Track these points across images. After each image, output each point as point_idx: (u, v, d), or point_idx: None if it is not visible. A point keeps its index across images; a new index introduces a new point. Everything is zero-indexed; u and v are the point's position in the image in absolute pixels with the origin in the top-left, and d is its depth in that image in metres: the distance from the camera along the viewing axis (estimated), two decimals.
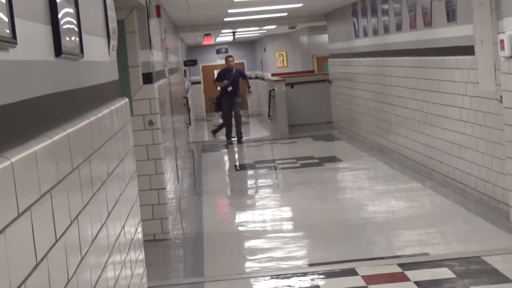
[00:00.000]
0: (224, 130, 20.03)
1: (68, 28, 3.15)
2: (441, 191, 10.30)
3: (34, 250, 2.20)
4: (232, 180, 13.63)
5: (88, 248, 3.08)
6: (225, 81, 19.00)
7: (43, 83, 2.68)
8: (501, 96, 7.88)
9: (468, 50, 9.39)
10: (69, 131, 2.90)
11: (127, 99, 5.15)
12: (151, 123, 8.49)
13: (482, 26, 8.83)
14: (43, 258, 2.30)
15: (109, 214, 3.73)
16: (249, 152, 17.85)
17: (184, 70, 22.20)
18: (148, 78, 8.56)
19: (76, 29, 3.36)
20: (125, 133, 4.80)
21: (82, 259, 2.92)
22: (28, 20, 2.53)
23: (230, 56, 19.72)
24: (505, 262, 6.82)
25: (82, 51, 3.46)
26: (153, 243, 8.57)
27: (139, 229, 5.13)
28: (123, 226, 4.25)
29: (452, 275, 6.50)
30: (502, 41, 7.43)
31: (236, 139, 19.15)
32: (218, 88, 19.65)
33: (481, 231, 8.11)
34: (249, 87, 20.17)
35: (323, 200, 10.67)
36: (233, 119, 19.60)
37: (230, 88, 19.03)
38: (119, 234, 4.06)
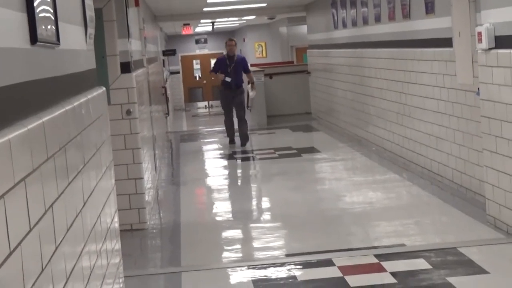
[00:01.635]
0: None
1: (44, 16, 3.13)
2: (418, 182, 10.34)
3: (8, 239, 2.19)
4: (210, 170, 13.61)
5: (63, 237, 3.07)
6: (219, 74, 15.62)
7: (18, 71, 2.66)
8: (478, 89, 7.91)
9: (446, 42, 9.42)
10: (44, 119, 2.88)
11: (104, 88, 5.13)
12: (128, 112, 8.46)
13: (460, 19, 8.86)
14: (17, 247, 2.28)
15: (84, 203, 3.71)
16: (228, 142, 17.82)
17: (163, 60, 22.13)
18: (126, 67, 8.53)
19: (52, 17, 3.34)
20: (102, 122, 4.78)
21: (56, 248, 2.91)
22: (3, 7, 2.51)
23: (232, 40, 15.89)
24: (480, 253, 6.86)
25: (58, 39, 3.43)
26: (130, 232, 8.55)
27: (116, 219, 5.11)
28: (99, 216, 4.23)
29: (428, 266, 6.53)
30: (479, 33, 7.46)
31: (241, 141, 15.77)
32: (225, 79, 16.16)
33: (457, 223, 8.15)
34: (252, 83, 16.24)
35: (301, 190, 10.68)
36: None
37: (228, 79, 15.45)
38: (95, 223, 4.04)
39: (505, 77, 7.09)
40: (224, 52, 16.66)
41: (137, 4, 10.01)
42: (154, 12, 18.33)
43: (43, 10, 3.11)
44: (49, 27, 3.23)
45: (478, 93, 7.97)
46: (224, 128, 16.37)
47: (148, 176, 9.50)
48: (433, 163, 10.32)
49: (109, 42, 8.36)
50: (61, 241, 3.02)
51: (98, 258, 4.06)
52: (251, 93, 16.27)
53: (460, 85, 9.09)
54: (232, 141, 16.00)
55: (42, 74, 3.10)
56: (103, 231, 4.37)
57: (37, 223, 2.60)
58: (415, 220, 8.43)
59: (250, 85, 16.17)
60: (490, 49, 7.37)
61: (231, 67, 15.48)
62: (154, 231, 8.81)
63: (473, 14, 8.42)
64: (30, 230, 2.49)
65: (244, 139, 15.59)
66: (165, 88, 18.21)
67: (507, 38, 7.08)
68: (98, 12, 8.01)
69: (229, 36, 35.64)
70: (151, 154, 10.81)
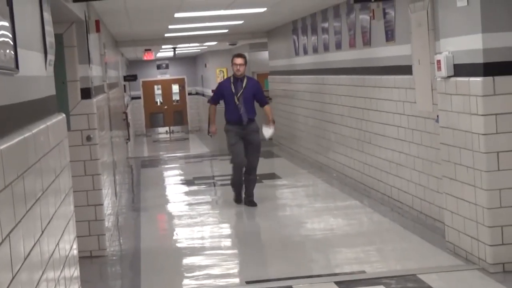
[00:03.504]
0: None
1: (3, 42, 3.10)
2: (378, 209, 10.38)
3: None
4: (171, 196, 13.55)
5: (21, 266, 3.03)
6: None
7: None
8: (437, 116, 7.98)
9: (406, 69, 9.50)
10: (2, 147, 2.85)
11: (63, 115, 5.10)
12: (89, 138, 8.42)
13: (420, 46, 8.95)
14: None
15: (43, 231, 3.68)
16: (188, 168, 17.79)
17: (124, 85, 22.06)
18: (86, 93, 8.49)
19: (11, 43, 3.32)
20: (61, 149, 4.74)
21: (14, 276, 2.87)
22: None
23: (240, 56, 11.33)
24: (440, 280, 6.89)
25: (17, 66, 3.41)
26: (90, 259, 8.46)
27: (75, 246, 5.06)
28: (58, 243, 4.19)
29: None
30: (438, 61, 7.54)
31: (245, 200, 11.48)
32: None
33: (417, 249, 8.19)
34: (273, 121, 11.40)
35: (262, 217, 10.67)
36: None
37: (237, 111, 11.09)
38: (54, 250, 4.00)
39: (463, 104, 7.16)
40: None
41: (98, 30, 9.98)
42: (115, 38, 18.29)
43: (1, 35, 3.09)
44: (7, 52, 3.21)
45: (437, 120, 8.03)
46: (231, 177, 11.58)
47: (108, 202, 9.43)
48: (393, 190, 10.37)
49: (69, 67, 8.33)
50: (19, 269, 2.98)
51: (57, 286, 4.01)
52: (267, 133, 11.31)
53: (420, 112, 9.16)
54: (238, 199, 11.56)
55: (1, 101, 3.07)
56: (62, 258, 4.33)
57: None
58: (375, 246, 8.45)
59: (268, 119, 11.36)
60: (449, 77, 7.45)
61: (239, 93, 11.10)
62: (114, 258, 8.73)
63: (433, 42, 8.51)
64: None
65: (250, 197, 11.40)
66: (126, 113, 18.14)
67: (465, 66, 7.16)
68: (59, 37, 7.98)
69: (192, 61, 35.75)
70: (112, 180, 10.74)
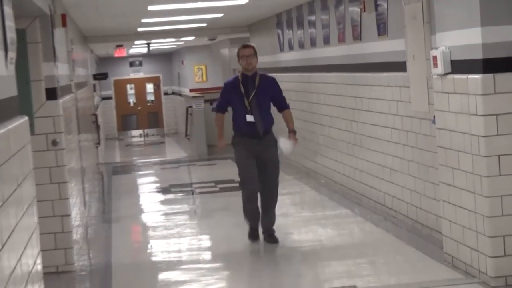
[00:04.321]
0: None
1: None
2: (371, 218, 10.40)
3: None
4: (145, 206, 13.53)
5: None
6: (218, 112, 9.72)
7: None
8: (434, 117, 8.00)
9: (399, 66, 9.52)
10: None
11: (26, 117, 5.08)
12: (54, 143, 8.39)
13: (414, 41, 8.98)
14: None
15: (3, 245, 3.66)
16: (164, 175, 17.77)
17: (94, 84, 22.02)
18: (52, 94, 8.46)
19: None
20: (23, 155, 4.73)
21: None
22: None
23: (248, 46, 9.64)
24: None
25: None
26: (56, 275, 8.44)
27: (39, 261, 5.05)
28: (20, 258, 4.18)
29: None
30: (435, 57, 7.56)
31: (264, 234, 9.58)
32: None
33: (413, 262, 8.21)
34: (293, 131, 9.55)
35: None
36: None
37: (250, 118, 9.33)
38: (15, 266, 3.99)
39: (462, 104, 7.19)
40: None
41: (64, 24, 9.95)
42: (84, 33, 18.26)
43: None
44: None
45: (433, 122, 8.06)
46: (243, 205, 9.60)
47: (76, 213, 9.41)
48: (386, 197, 10.40)
49: (33, 66, 8.30)
50: None
51: None
52: (286, 147, 9.51)
53: (414, 112, 9.19)
54: (254, 235, 9.57)
55: None
56: (24, 274, 4.32)
57: None
58: (368, 259, 8.47)
59: (289, 131, 9.55)
60: (446, 74, 7.47)
61: (251, 96, 9.37)
62: (82, 273, 8.70)
63: (428, 37, 8.53)
64: None
65: (270, 230, 9.54)
66: (96, 115, 18.12)
67: (464, 62, 7.19)
68: (21, 33, 7.96)
69: (167, 58, 35.68)
70: (80, 188, 10.72)
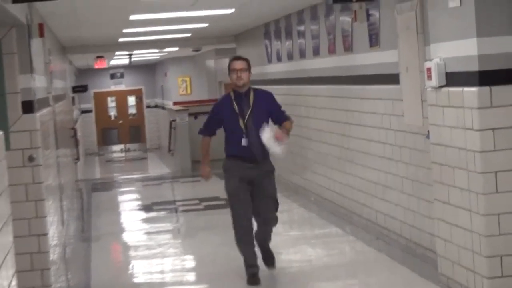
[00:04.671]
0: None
1: None
2: (362, 237, 10.39)
3: None
4: (126, 224, 13.50)
5: None
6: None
7: None
8: (428, 131, 8.02)
9: (392, 78, 9.54)
10: None
11: (1, 132, 5.06)
12: (31, 158, 8.36)
13: (407, 52, 8.99)
14: None
15: None
16: (146, 192, 17.73)
17: (73, 97, 21.99)
18: (28, 107, 8.44)
19: None
20: None
21: None
22: None
23: (239, 59, 8.89)
24: None
25: None
26: None
27: (14, 282, 5.02)
28: None
29: None
30: (429, 69, 7.58)
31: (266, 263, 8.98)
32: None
33: (406, 283, 8.21)
34: (286, 131, 8.69)
35: (231, 247, 10.61)
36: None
37: (244, 142, 8.53)
38: None
39: (457, 118, 7.20)
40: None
41: (42, 35, 9.94)
42: (62, 43, 18.24)
43: None
44: None
45: (428, 136, 8.07)
46: (236, 242, 8.73)
47: (53, 232, 9.37)
48: (379, 215, 10.40)
49: (9, 78, 8.28)
50: None
51: None
52: (275, 146, 8.39)
53: (408, 126, 9.20)
54: (253, 274, 8.57)
55: None
56: None
57: None
58: (359, 280, 8.46)
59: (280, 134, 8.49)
60: (441, 87, 7.49)
61: (246, 115, 8.61)
62: None
63: (422, 48, 8.55)
64: None
65: (270, 255, 8.99)
66: (75, 129, 18.08)
67: (459, 74, 7.21)
68: None
69: (150, 69, 35.66)
70: (58, 206, 10.68)
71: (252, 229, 8.60)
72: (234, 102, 8.62)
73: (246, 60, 8.81)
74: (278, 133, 8.39)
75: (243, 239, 8.57)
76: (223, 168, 8.74)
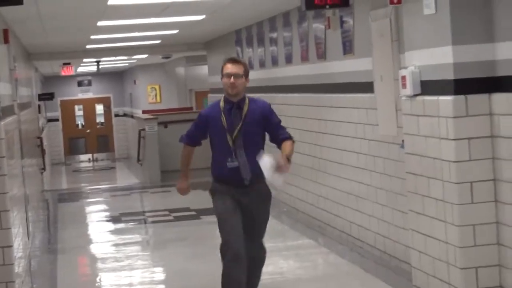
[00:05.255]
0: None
1: None
2: (336, 248, 10.41)
3: None
4: (94, 236, 13.45)
5: None
6: (187, 144, 7.69)
7: None
8: (402, 141, 8.05)
9: (366, 87, 9.57)
10: None
11: None
12: None
13: (382, 60, 9.03)
14: None
15: None
16: (114, 203, 17.67)
17: (39, 105, 21.91)
18: None
19: None
20: None
21: None
22: None
23: (236, 62, 7.51)
24: None
25: None
26: None
27: None
28: None
29: None
30: (403, 77, 7.61)
31: None
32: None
33: None
34: (287, 158, 7.18)
35: (202, 259, 10.63)
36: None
37: (233, 163, 7.31)
38: None
39: (432, 127, 7.24)
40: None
41: (6, 41, 9.91)
42: (28, 50, 18.17)
43: None
44: None
45: (402, 146, 8.10)
46: (222, 274, 7.28)
47: (18, 244, 9.32)
48: (352, 226, 10.42)
49: None
50: None
51: None
52: (275, 177, 7.07)
53: (382, 136, 9.23)
54: None
55: None
56: None
57: None
58: None
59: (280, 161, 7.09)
60: (416, 95, 7.52)
61: (236, 130, 7.33)
62: None
63: (397, 56, 8.59)
64: None
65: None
66: (41, 138, 18.00)
67: (434, 83, 7.24)
68: None
69: (118, 77, 35.56)
70: (23, 217, 10.63)
71: (243, 255, 7.17)
72: (222, 112, 7.29)
73: (243, 64, 7.50)
74: (280, 164, 7.01)
75: (233, 267, 7.16)
76: (211, 190, 7.49)
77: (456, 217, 6.98)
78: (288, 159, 7.11)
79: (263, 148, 7.27)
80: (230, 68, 7.29)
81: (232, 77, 7.24)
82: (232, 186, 7.26)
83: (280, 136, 7.38)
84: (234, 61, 7.40)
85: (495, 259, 6.94)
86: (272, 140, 7.45)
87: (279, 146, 7.37)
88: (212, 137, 7.36)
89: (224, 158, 7.23)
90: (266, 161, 7.02)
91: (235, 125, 7.23)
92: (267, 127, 7.39)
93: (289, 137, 7.41)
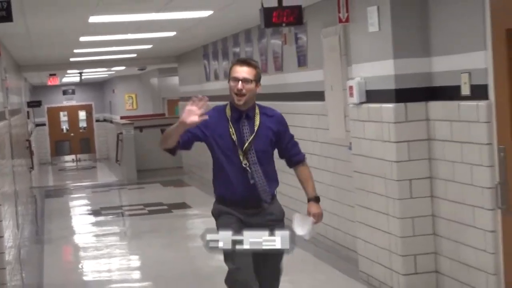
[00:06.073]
0: None
1: None
2: None
3: None
4: (77, 227, 13.37)
5: None
6: (174, 145, 5.28)
7: None
8: (350, 143, 8.07)
9: (318, 95, 9.59)
10: None
11: None
12: None
13: (332, 72, 9.05)
14: None
15: None
16: (95, 198, 17.57)
17: (28, 112, 21.74)
18: None
19: None
20: None
21: None
22: None
23: (247, 64, 5.42)
24: None
25: None
26: None
27: None
28: None
29: None
30: (351, 87, 7.64)
31: None
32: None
33: (331, 280, 8.24)
34: (316, 200, 5.97)
35: (173, 248, 10.60)
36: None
37: (245, 182, 5.39)
38: None
39: (376, 131, 7.26)
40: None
41: None
42: (17, 62, 18.02)
43: None
44: None
45: (350, 148, 8.13)
46: None
47: (9, 234, 9.24)
48: None
49: None
50: None
51: None
52: (304, 227, 5.87)
53: (332, 139, 9.25)
54: None
55: None
56: None
57: None
58: (288, 277, 8.43)
59: (308, 204, 5.99)
60: (362, 103, 7.55)
61: (246, 143, 5.42)
62: None
63: (345, 68, 8.62)
64: None
65: None
66: (29, 141, 17.86)
67: (378, 92, 7.27)
68: None
69: (99, 86, 35.36)
70: (13, 211, 10.54)
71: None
72: (230, 123, 5.41)
73: (255, 66, 5.52)
74: (314, 222, 5.85)
75: None
76: (214, 212, 5.57)
77: (397, 211, 7.01)
78: (317, 201, 5.92)
79: (274, 164, 5.65)
80: (238, 71, 5.40)
81: (240, 83, 5.36)
82: (240, 209, 5.44)
83: (294, 157, 5.76)
84: (244, 62, 5.48)
85: (432, 247, 6.98)
86: (282, 157, 5.75)
87: (290, 165, 5.82)
88: (217, 151, 5.40)
89: (234, 176, 5.37)
90: (299, 220, 5.79)
91: (245, 137, 5.39)
92: (280, 143, 5.64)
93: (304, 159, 5.82)
